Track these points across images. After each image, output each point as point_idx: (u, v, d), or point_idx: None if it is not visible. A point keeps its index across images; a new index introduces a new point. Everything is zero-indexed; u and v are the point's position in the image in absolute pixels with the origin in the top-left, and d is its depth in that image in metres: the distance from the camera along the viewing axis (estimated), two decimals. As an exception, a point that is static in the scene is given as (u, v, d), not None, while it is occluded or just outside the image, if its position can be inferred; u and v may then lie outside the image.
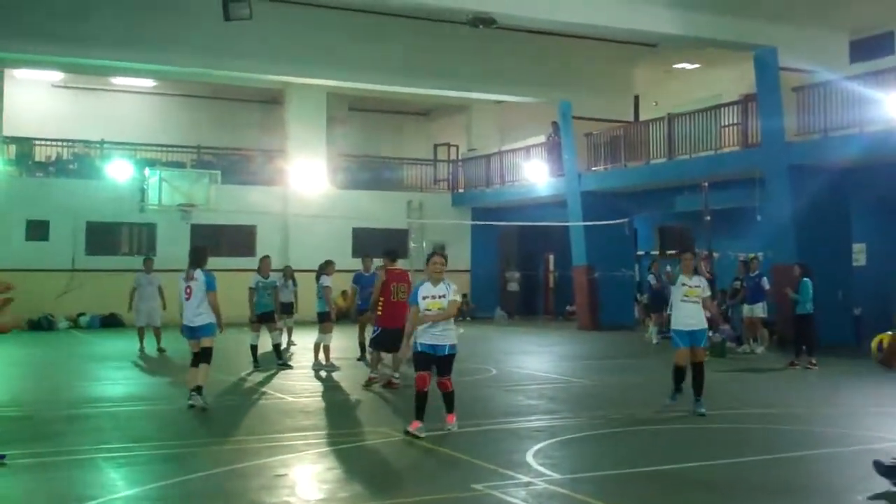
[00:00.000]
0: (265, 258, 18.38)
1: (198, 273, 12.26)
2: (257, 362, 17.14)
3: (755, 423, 11.63)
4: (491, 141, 34.58)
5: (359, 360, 17.44)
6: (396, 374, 14.47)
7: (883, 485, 7.88)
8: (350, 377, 15.94)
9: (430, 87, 27.56)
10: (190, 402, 12.18)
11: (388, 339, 14.10)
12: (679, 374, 12.21)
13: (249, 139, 33.32)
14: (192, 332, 12.33)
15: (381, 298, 14.36)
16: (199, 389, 12.23)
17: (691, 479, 8.59)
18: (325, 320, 16.81)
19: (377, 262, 16.40)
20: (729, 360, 18.78)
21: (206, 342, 12.29)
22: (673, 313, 12.47)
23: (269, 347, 17.64)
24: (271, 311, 17.39)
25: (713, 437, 10.76)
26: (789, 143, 20.65)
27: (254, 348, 17.33)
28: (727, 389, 15.14)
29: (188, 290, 12.24)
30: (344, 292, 29.71)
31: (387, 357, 15.04)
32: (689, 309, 12.07)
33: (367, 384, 14.55)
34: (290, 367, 17.26)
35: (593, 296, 27.30)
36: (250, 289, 17.44)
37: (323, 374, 16.26)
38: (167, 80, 31.65)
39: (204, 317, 12.17)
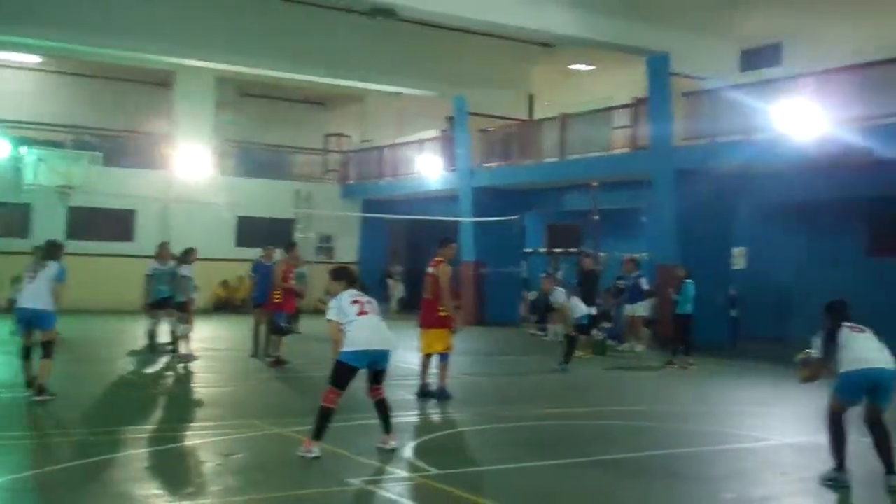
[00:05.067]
0: (164, 244, 17.92)
1: (51, 263, 11.71)
2: (154, 348, 16.84)
3: (629, 419, 11.72)
4: (385, 133, 34.32)
5: (252, 356, 16.84)
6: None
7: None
8: (222, 369, 15.62)
9: (325, 76, 27.14)
10: (36, 398, 11.38)
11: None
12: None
13: (135, 121, 32.21)
14: (28, 319, 11.60)
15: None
16: (35, 385, 11.44)
17: (563, 475, 8.58)
18: (184, 310, 16.38)
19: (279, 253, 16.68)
20: (609, 357, 19.02)
21: (47, 335, 11.55)
22: None
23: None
24: (167, 298, 16.82)
25: (587, 434, 10.80)
26: (677, 148, 20.98)
27: (151, 334, 17.01)
28: (605, 387, 15.40)
29: (33, 274, 11.62)
30: (225, 282, 29.47)
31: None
32: None
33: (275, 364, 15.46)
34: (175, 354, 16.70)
35: (480, 291, 27.35)
36: (147, 276, 17.03)
37: (182, 365, 15.71)
38: (52, 57, 30.41)
39: (44, 302, 11.47)
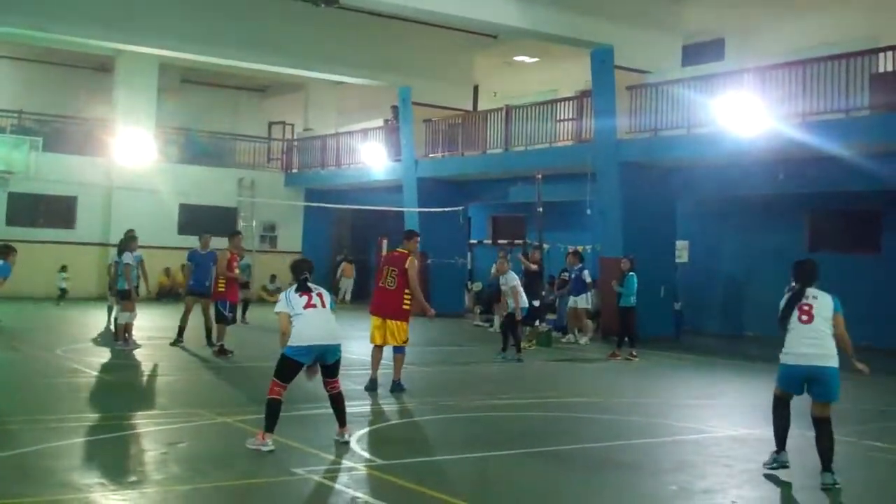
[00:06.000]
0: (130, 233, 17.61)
1: None
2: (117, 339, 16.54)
3: (574, 411, 11.81)
4: (328, 122, 34.20)
5: (172, 344, 16.66)
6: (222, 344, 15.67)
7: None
8: (166, 358, 15.47)
9: (266, 63, 27.04)
10: None
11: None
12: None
13: (76, 107, 31.76)
14: None
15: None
16: None
17: (508, 466, 8.63)
18: (125, 298, 16.25)
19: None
20: (554, 349, 19.14)
21: None
22: None
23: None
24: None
25: (532, 425, 10.86)
26: (620, 141, 21.14)
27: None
28: (550, 378, 15.50)
29: None
30: (167, 269, 29.14)
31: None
32: None
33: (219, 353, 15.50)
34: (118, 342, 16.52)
35: (425, 282, 27.31)
36: (115, 264, 16.75)
37: (126, 353, 15.64)
38: (-9, 42, 29.89)
39: None
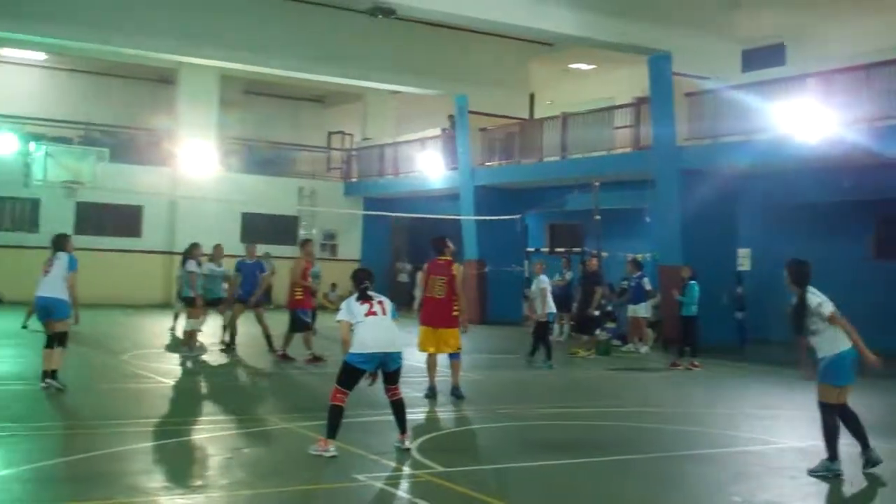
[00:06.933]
0: (218, 246, 18.17)
1: (61, 254, 12.06)
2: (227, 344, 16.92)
3: (634, 420, 11.72)
4: (386, 131, 34.44)
5: (222, 350, 16.95)
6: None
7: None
8: (229, 364, 15.74)
9: (327, 74, 27.27)
10: (42, 385, 11.78)
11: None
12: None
13: (140, 118, 32.33)
14: (46, 309, 11.87)
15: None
16: (53, 374, 11.85)
17: (570, 475, 8.62)
18: (191, 305, 16.53)
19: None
20: (613, 358, 19.03)
21: (60, 326, 11.88)
22: None
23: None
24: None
25: (593, 434, 10.81)
26: (680, 148, 21.00)
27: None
28: (610, 387, 15.40)
29: (48, 267, 11.95)
30: (227, 277, 29.49)
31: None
32: None
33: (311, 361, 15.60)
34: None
35: (482, 290, 27.38)
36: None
37: (191, 359, 15.91)
38: (58, 54, 30.52)
39: (60, 293, 11.80)
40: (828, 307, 8.34)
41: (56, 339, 11.85)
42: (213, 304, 17.43)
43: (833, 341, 8.34)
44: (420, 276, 13.41)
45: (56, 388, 11.69)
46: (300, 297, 15.88)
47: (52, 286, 11.83)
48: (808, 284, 8.54)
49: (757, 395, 14.68)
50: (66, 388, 11.78)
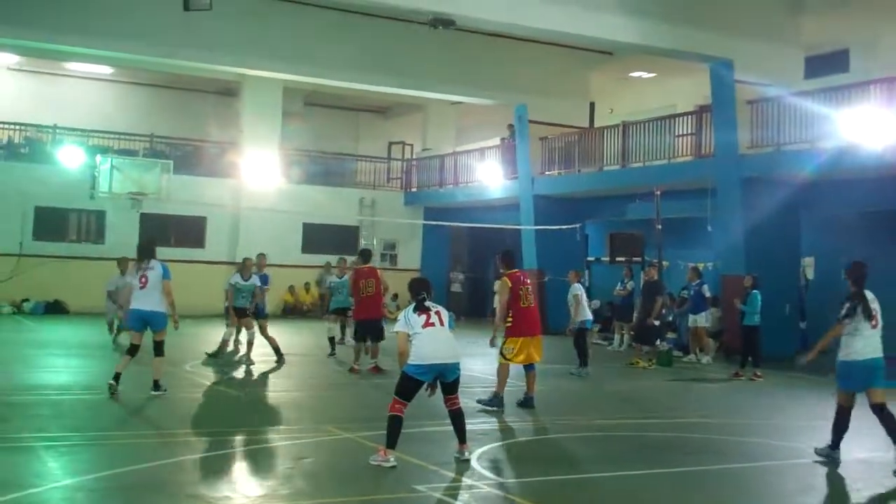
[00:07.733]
0: (262, 255, 18.71)
1: (153, 262, 12.40)
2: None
3: (698, 431, 11.65)
4: (446, 141, 34.55)
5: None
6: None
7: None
8: (290, 374, 15.86)
9: (387, 85, 27.44)
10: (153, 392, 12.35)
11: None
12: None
13: (203, 130, 32.88)
14: (142, 321, 12.27)
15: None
16: (156, 385, 12.38)
17: (633, 488, 8.59)
18: (242, 316, 16.83)
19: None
20: (675, 368, 18.88)
21: (158, 335, 12.33)
22: None
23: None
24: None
25: (655, 445, 10.74)
26: (742, 156, 20.80)
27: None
28: (671, 398, 15.29)
29: (143, 279, 12.29)
30: (291, 287, 29.89)
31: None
32: None
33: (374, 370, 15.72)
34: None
35: (542, 300, 27.28)
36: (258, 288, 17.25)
37: (250, 369, 16.21)
38: (123, 68, 31.10)
39: (158, 305, 12.24)
40: (876, 306, 9.24)
41: (155, 350, 12.34)
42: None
43: (849, 347, 9.28)
44: (498, 285, 13.41)
45: (157, 395, 12.25)
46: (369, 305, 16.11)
47: (150, 299, 12.23)
48: (864, 286, 9.24)
49: (819, 406, 14.35)
50: (167, 392, 12.39)
